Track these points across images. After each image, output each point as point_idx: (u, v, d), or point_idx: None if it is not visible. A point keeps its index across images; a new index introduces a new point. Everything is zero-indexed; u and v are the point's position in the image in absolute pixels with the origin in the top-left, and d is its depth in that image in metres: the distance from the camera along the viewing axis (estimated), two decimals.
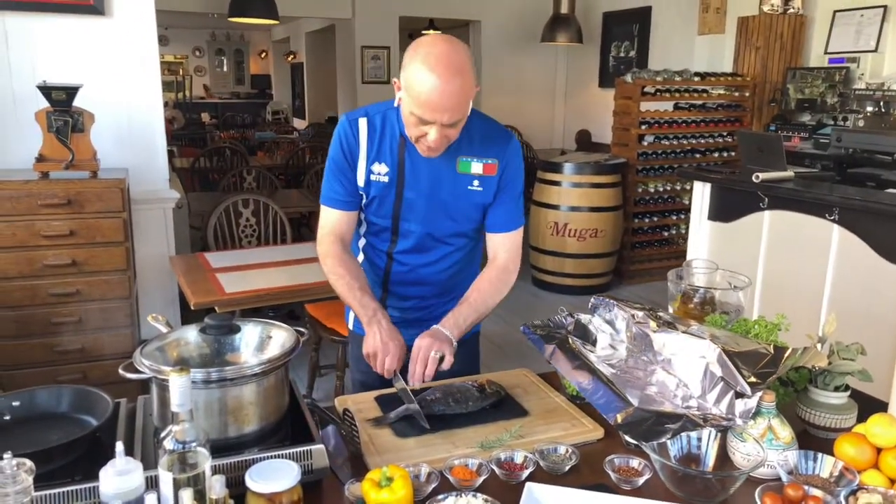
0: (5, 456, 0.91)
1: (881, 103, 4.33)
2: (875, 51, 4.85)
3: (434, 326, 1.55)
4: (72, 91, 2.89)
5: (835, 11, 5.15)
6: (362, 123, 1.58)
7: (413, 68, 1.40)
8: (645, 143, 5.29)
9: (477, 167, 1.59)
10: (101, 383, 2.93)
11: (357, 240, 1.73)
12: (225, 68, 14.93)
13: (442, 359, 1.49)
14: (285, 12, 6.89)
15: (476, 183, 1.60)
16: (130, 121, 3.37)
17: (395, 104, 1.55)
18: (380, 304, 1.59)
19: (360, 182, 1.60)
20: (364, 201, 1.63)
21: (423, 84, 1.38)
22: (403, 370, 1.50)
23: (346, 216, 1.64)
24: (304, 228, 5.78)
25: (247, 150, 7.61)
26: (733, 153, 5.52)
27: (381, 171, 1.58)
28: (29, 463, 0.93)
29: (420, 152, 1.53)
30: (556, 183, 5.06)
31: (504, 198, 1.63)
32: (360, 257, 1.74)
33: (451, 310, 1.60)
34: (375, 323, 1.52)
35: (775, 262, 3.27)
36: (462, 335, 1.58)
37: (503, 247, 1.66)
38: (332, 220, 1.64)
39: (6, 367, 2.92)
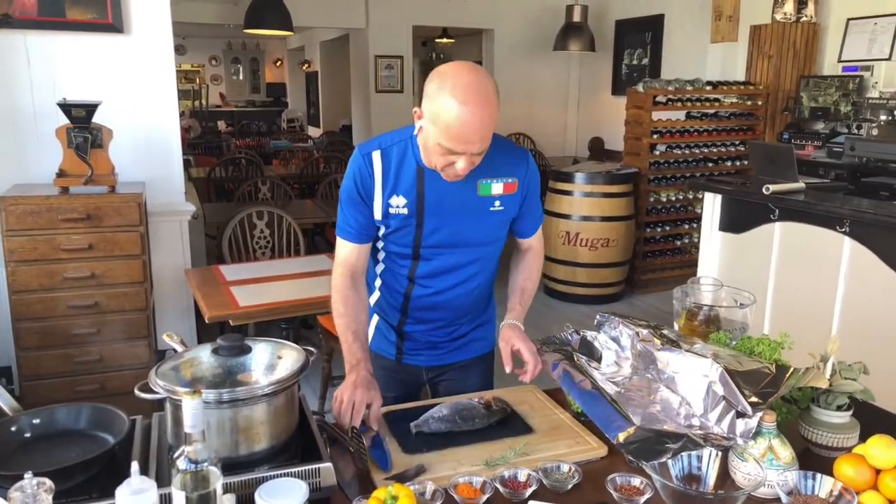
0: (26, 476, 0.96)
1: (895, 112, 4.31)
2: (889, 59, 4.83)
3: (510, 321, 1.68)
4: (91, 108, 2.97)
5: (848, 19, 5.13)
6: (376, 157, 1.56)
7: (441, 100, 1.39)
8: (657, 153, 5.30)
9: (497, 188, 1.60)
10: (119, 393, 3.04)
11: (375, 265, 1.73)
12: (241, 76, 15.13)
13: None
14: (300, 23, 6.97)
15: (497, 203, 1.62)
16: (148, 136, 3.44)
17: (416, 133, 1.53)
18: (366, 355, 1.57)
19: (378, 216, 1.59)
20: (383, 232, 1.62)
21: (454, 116, 1.37)
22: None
23: (357, 249, 1.64)
24: (319, 237, 5.83)
25: (262, 158, 7.68)
26: (746, 162, 5.50)
27: (399, 203, 1.57)
28: (49, 482, 0.98)
29: (445, 178, 1.52)
30: (568, 193, 5.07)
31: (528, 208, 1.71)
32: (378, 282, 1.74)
33: (512, 298, 1.75)
34: (355, 372, 1.51)
35: (786, 274, 3.27)
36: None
37: (534, 240, 1.80)
38: (345, 251, 1.64)
39: (28, 378, 3.00)
